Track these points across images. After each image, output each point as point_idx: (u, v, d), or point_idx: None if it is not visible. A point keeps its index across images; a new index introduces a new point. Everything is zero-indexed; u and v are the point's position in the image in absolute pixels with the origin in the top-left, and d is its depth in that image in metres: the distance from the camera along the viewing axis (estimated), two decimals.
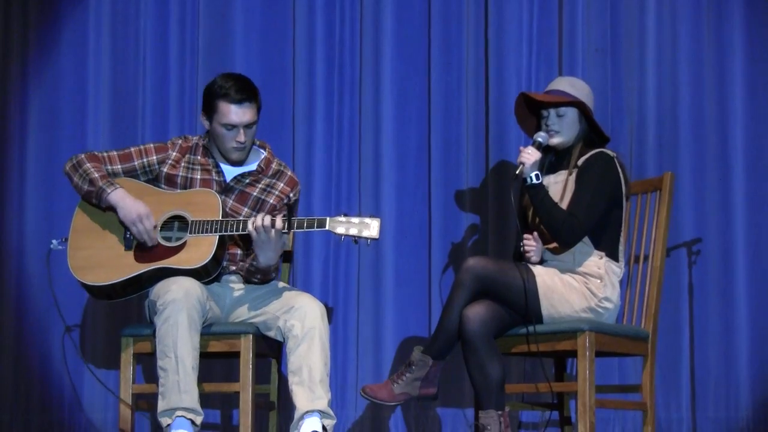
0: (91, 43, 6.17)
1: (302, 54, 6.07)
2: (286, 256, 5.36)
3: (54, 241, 5.09)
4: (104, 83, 6.14)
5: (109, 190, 4.94)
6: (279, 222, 4.77)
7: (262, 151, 5.19)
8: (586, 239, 4.96)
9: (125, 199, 4.93)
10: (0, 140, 6.17)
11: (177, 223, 4.97)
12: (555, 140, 5.07)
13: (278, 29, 6.11)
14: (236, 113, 4.97)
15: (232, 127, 4.98)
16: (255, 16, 6.12)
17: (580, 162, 5.03)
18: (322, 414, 4.78)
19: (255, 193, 5.11)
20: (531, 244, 5.00)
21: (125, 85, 6.13)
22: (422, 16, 6.06)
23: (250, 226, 4.80)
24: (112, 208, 4.96)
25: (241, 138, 5.00)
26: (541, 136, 5.06)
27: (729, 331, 5.76)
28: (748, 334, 5.74)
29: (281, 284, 5.12)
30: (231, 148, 5.03)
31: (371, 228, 4.78)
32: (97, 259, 4.96)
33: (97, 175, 4.96)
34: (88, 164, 4.99)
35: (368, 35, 6.06)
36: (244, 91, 4.99)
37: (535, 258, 5.00)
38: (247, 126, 5.00)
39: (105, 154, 5.08)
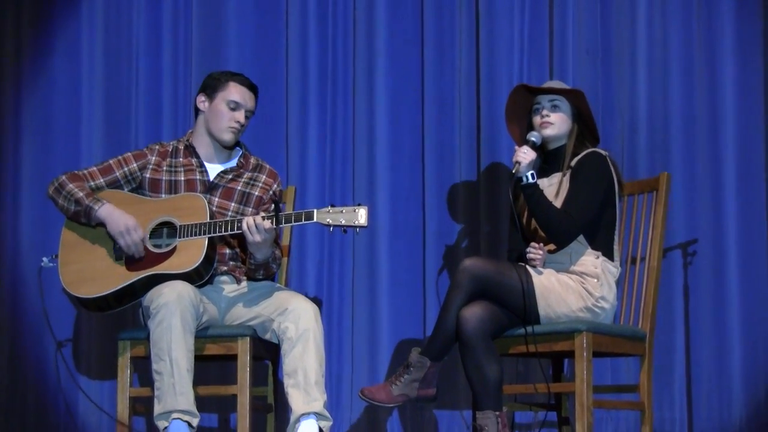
0: (84, 50, 6.17)
1: (295, 58, 6.07)
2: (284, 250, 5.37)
3: (44, 259, 5.08)
4: (97, 90, 6.14)
5: (96, 207, 4.95)
6: (267, 222, 4.80)
7: (238, 148, 5.24)
8: (581, 239, 4.97)
9: (113, 213, 4.95)
10: None
11: (165, 229, 4.98)
12: (548, 131, 5.07)
13: (271, 34, 6.12)
14: (244, 94, 5.11)
15: (237, 105, 5.09)
16: (248, 22, 6.13)
17: (572, 163, 5.04)
18: (318, 416, 4.78)
19: (239, 188, 5.14)
20: (538, 253, 4.98)
21: (118, 91, 6.14)
22: (414, 19, 6.07)
23: (244, 226, 4.82)
24: (101, 224, 4.97)
25: (241, 118, 5.09)
26: (534, 136, 5.07)
27: (722, 331, 5.77)
28: (741, 333, 5.75)
29: (276, 285, 5.13)
30: (227, 127, 5.10)
31: (359, 216, 4.79)
32: (89, 272, 4.96)
33: (81, 194, 4.97)
34: (70, 185, 5.00)
35: (361, 39, 6.06)
36: (252, 82, 5.16)
37: (539, 266, 4.99)
38: (248, 112, 5.12)
39: (86, 171, 5.09)
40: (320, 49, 6.09)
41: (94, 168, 5.12)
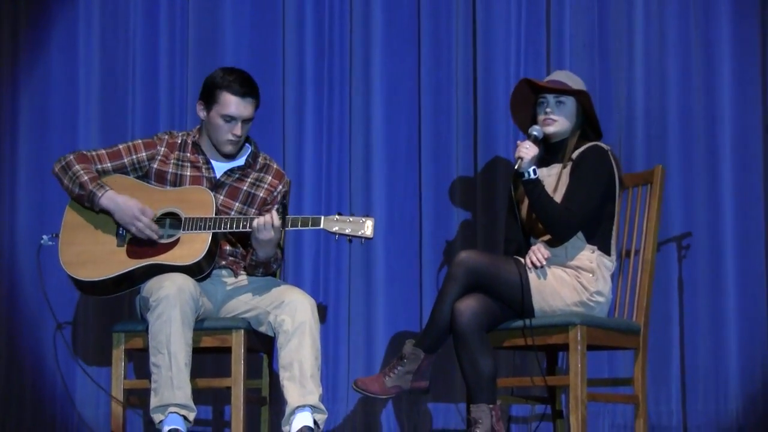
0: (81, 42, 6.17)
1: (292, 51, 6.07)
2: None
3: (44, 237, 5.08)
4: (94, 81, 6.14)
5: (99, 194, 4.93)
6: (277, 221, 4.78)
7: (248, 145, 5.20)
8: (578, 233, 4.96)
9: (116, 201, 4.92)
10: None
11: (169, 220, 4.97)
12: (550, 129, 5.05)
13: (268, 26, 6.12)
14: (237, 106, 5.00)
15: (231, 119, 5.00)
16: (244, 13, 6.12)
17: (574, 155, 5.03)
18: (314, 409, 4.78)
19: (245, 188, 5.12)
20: (541, 262, 4.94)
21: (115, 82, 6.14)
22: (411, 12, 6.07)
23: (255, 224, 4.80)
24: (105, 211, 4.95)
25: (238, 131, 5.01)
26: (536, 130, 5.05)
27: (718, 325, 5.77)
28: (737, 327, 5.76)
29: (273, 279, 5.13)
30: (226, 140, 5.04)
31: (366, 227, 4.79)
32: (90, 255, 4.94)
33: (86, 178, 4.95)
34: (77, 166, 4.98)
35: (358, 32, 6.06)
36: (248, 85, 5.02)
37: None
38: (245, 120, 5.03)
39: (94, 153, 5.07)
40: (317, 45, 6.08)
41: (103, 151, 5.09)
